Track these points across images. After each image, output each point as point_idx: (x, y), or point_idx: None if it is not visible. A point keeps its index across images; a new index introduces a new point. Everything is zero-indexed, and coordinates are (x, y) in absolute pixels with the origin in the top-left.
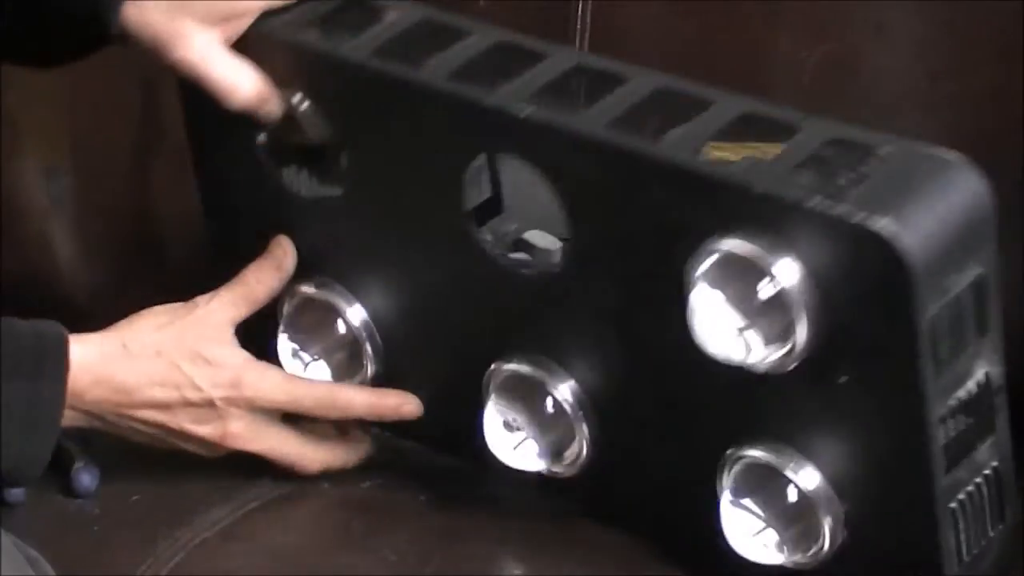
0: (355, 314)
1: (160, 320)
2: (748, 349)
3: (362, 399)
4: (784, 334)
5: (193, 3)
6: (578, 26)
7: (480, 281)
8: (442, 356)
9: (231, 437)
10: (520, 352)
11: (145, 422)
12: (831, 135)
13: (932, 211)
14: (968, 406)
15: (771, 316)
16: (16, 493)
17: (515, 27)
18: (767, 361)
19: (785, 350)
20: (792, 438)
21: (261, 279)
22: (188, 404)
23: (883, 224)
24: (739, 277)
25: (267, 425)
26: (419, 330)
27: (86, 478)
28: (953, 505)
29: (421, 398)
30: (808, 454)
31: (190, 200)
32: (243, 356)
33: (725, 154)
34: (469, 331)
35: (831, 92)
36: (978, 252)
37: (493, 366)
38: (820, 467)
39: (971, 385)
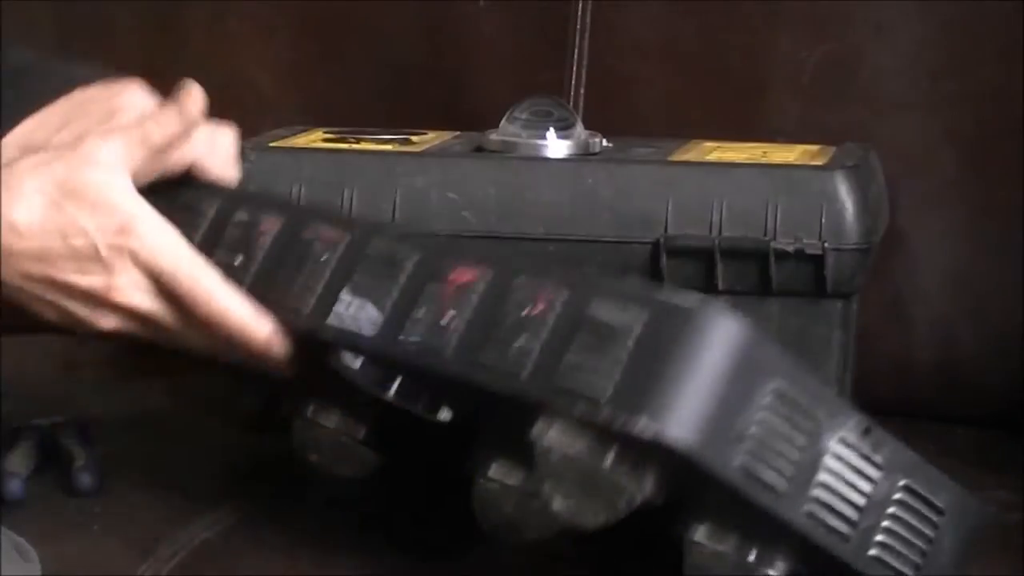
0: None
1: (41, 156)
2: (606, 512)
3: (240, 312)
4: (634, 491)
5: None
6: (578, 26)
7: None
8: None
9: (117, 290)
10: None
11: (27, 275)
12: (585, 312)
13: (690, 380)
14: (836, 478)
15: (616, 477)
16: (15, 491)
17: (515, 27)
18: (634, 505)
19: (642, 499)
20: (724, 522)
21: (160, 122)
22: (72, 253)
23: (643, 424)
24: (574, 453)
25: (155, 289)
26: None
27: (86, 477)
28: (873, 552)
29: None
30: (742, 532)
31: None
32: (137, 203)
33: (729, 154)
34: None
35: (831, 92)
36: (761, 376)
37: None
38: (754, 542)
39: (827, 462)
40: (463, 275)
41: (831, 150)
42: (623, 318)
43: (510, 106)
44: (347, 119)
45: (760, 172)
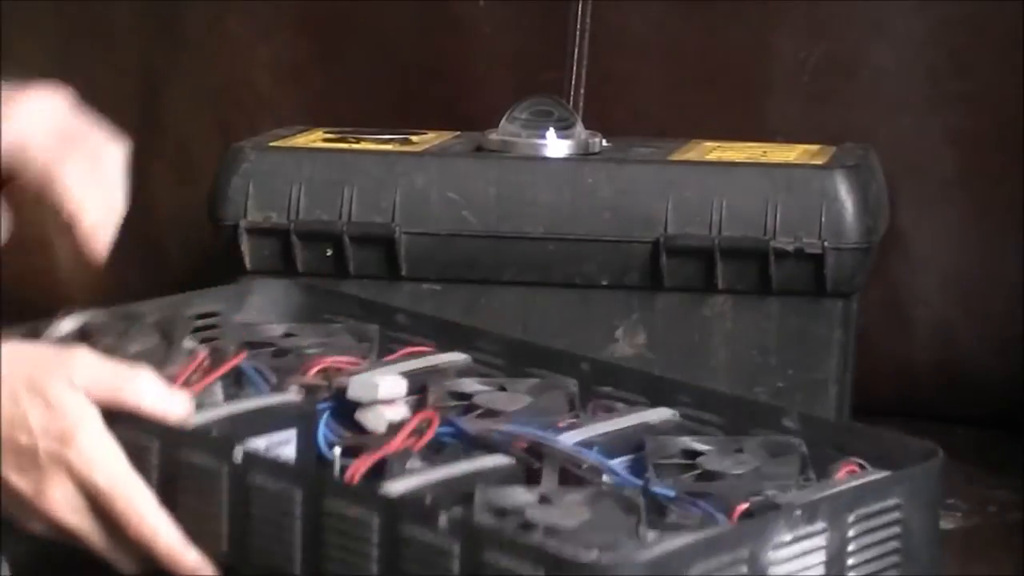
0: None
1: (25, 349)
2: None
3: (169, 539)
4: None
5: None
6: (578, 26)
7: None
8: None
9: (46, 499)
10: None
11: None
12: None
13: None
14: None
15: None
16: None
17: (515, 27)
18: None
19: None
20: None
21: (152, 399)
22: (14, 447)
23: None
24: None
25: (86, 506)
26: None
27: None
28: None
29: None
30: None
31: (190, 200)
32: (86, 415)
33: (729, 154)
34: None
35: (831, 92)
36: None
37: None
38: None
39: (775, 572)
40: (353, 513)
41: (831, 150)
42: (522, 572)
43: (510, 106)
44: (347, 119)
45: (760, 172)
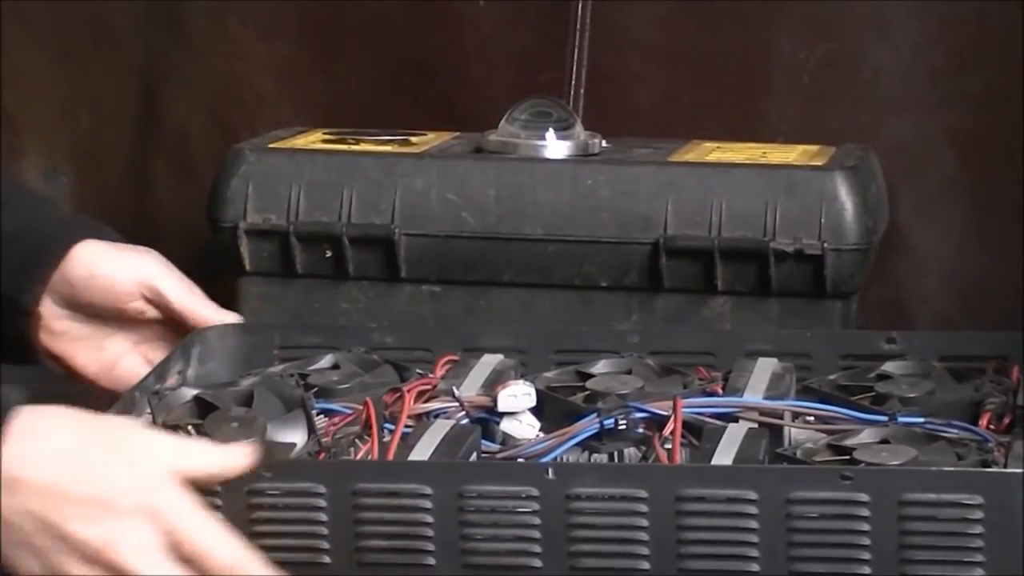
0: None
1: (75, 411)
2: None
3: (251, 567)
4: None
5: None
6: (578, 26)
7: None
8: None
9: (116, 549)
10: None
11: (27, 511)
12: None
13: None
14: None
15: None
16: None
17: (515, 27)
18: None
19: None
20: None
21: (225, 458)
22: (83, 498)
23: None
24: None
25: (165, 555)
26: None
27: None
28: None
29: None
30: None
31: (190, 200)
32: (163, 467)
33: (729, 155)
34: None
35: (831, 92)
36: None
37: None
38: None
39: None
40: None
41: (831, 150)
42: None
43: (510, 106)
44: (347, 119)
45: (760, 172)
